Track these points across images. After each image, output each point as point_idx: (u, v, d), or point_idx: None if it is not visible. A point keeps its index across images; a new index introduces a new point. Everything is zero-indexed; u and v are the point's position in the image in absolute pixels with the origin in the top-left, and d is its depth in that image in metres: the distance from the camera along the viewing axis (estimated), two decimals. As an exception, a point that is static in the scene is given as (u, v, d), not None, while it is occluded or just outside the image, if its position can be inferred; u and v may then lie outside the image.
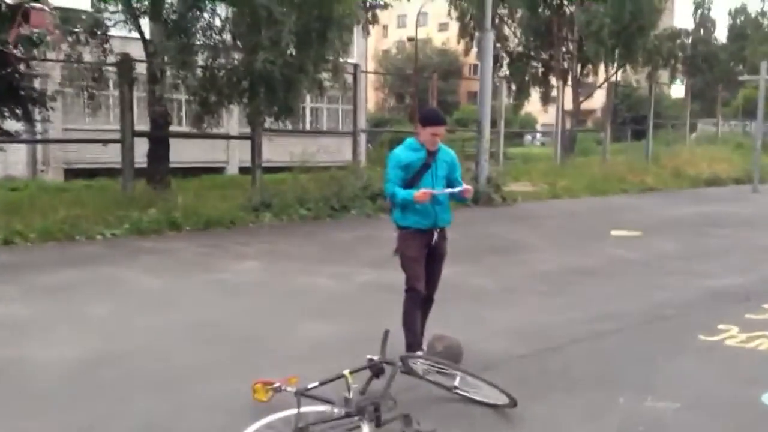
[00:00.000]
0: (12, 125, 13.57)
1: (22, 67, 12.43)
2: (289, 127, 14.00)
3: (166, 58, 11.08)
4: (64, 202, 11.61)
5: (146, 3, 11.76)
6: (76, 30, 11.35)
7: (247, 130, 14.30)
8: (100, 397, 4.18)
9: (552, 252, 9.42)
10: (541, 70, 28.45)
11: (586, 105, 30.93)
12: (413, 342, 4.71)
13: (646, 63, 29.29)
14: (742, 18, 49.39)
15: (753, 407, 4.18)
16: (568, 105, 27.02)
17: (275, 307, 6.35)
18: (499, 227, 11.60)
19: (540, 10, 26.32)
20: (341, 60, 12.40)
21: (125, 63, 12.03)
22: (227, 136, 18.84)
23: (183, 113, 17.08)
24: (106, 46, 11.81)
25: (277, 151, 17.83)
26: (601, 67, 28.71)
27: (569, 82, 27.44)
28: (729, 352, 5.26)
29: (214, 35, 11.79)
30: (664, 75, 36.71)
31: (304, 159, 14.25)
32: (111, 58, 12.08)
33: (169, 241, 9.71)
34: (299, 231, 10.90)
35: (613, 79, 28.42)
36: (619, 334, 5.63)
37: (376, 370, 4.01)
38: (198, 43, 11.63)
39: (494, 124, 19.80)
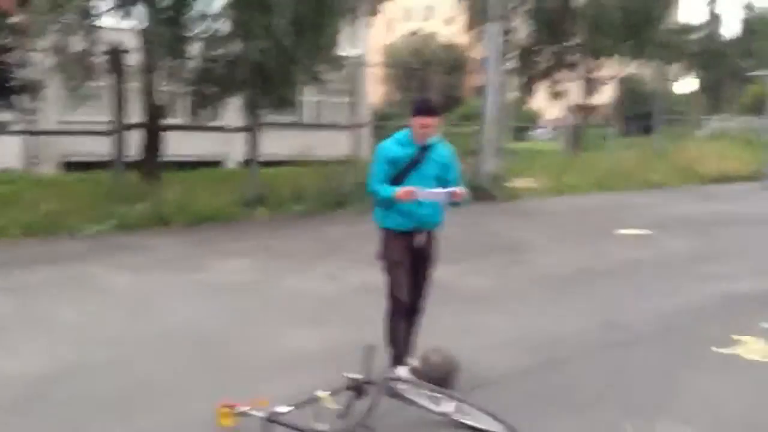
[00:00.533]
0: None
1: (10, 57, 12.03)
2: (287, 119, 13.56)
3: (158, 48, 10.63)
4: (51, 196, 11.22)
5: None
6: (64, 20, 10.89)
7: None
8: (46, 423, 3.75)
9: (556, 251, 8.97)
10: (548, 63, 27.87)
11: (594, 100, 30.39)
12: (399, 354, 4.28)
13: (656, 57, 28.66)
14: (752, 13, 48.65)
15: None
16: (576, 99, 26.46)
17: (258, 312, 5.91)
18: (500, 224, 11.14)
19: (548, 1, 25.72)
20: (340, 51, 11.95)
21: (115, 53, 11.62)
22: (222, 129, 18.36)
23: (182, 105, 16.62)
24: (95, 35, 11.33)
25: (277, 144, 17.39)
26: (610, 62, 28.11)
27: (577, 77, 26.88)
28: (746, 366, 4.81)
29: (209, 24, 11.33)
30: (673, 70, 36.10)
31: (303, 153, 13.81)
32: (100, 48, 11.61)
33: (155, 237, 9.28)
34: (293, 227, 10.47)
35: (622, 72, 27.86)
36: (629, 345, 5.18)
37: (357, 390, 3.58)
38: (192, 32, 11.18)
39: (499, 119, 19.36)
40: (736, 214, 13.02)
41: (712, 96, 39.09)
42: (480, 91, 15.56)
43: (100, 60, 11.77)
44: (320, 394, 3.44)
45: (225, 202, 11.18)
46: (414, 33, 44.94)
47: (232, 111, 12.77)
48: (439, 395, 3.72)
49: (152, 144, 12.56)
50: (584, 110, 28.47)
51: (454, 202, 4.18)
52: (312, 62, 10.96)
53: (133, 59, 12.23)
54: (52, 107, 19.69)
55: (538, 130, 43.80)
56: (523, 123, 34.94)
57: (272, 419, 3.29)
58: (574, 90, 26.32)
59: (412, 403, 3.78)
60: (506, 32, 24.91)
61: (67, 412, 3.84)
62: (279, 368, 4.53)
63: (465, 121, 32.75)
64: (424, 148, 4.23)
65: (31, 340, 4.99)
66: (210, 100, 11.90)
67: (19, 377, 4.29)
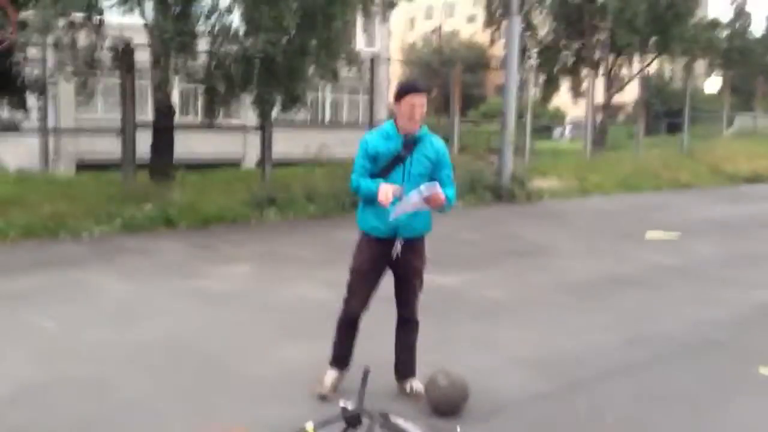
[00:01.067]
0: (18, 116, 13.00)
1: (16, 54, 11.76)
2: (302, 118, 13.13)
3: (165, 43, 10.26)
4: (57, 197, 10.92)
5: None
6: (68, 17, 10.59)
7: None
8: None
9: (579, 256, 8.45)
10: (571, 60, 27.22)
11: (617, 98, 29.67)
12: (335, 356, 3.99)
13: (683, 53, 27.85)
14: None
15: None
16: (599, 98, 25.79)
17: (253, 323, 5.47)
18: (520, 227, 10.62)
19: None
20: (356, 48, 11.52)
21: (126, 50, 11.30)
22: (233, 128, 18.04)
23: (197, 104, 16.35)
24: (101, 31, 11.01)
25: (292, 144, 17.02)
26: (635, 58, 27.39)
27: (601, 74, 26.20)
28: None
29: (218, 18, 10.94)
30: (699, 67, 35.20)
31: (317, 152, 13.39)
32: (107, 43, 11.29)
33: (158, 239, 8.91)
34: (302, 230, 10.04)
35: (647, 70, 27.11)
36: (658, 364, 4.67)
37: (350, 421, 3.13)
38: (200, 27, 10.80)
39: (521, 116, 18.84)
40: (770, 216, 12.39)
41: (741, 93, 38.11)
42: (502, 89, 15.02)
43: (107, 57, 11.48)
44: (308, 427, 2.99)
45: (234, 204, 10.79)
46: (434, 31, 44.37)
47: (250, 110, 12.40)
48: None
49: (163, 144, 12.22)
50: (608, 108, 27.78)
51: (439, 210, 3.67)
52: (322, 57, 10.52)
53: (144, 56, 11.92)
54: (68, 106, 19.56)
55: (561, 129, 43.10)
56: (545, 122, 34.29)
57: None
58: (597, 88, 25.74)
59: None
60: (527, 29, 24.39)
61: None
62: (269, 388, 4.10)
63: (486, 120, 32.23)
64: (412, 142, 3.74)
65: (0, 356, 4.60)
66: (220, 98, 11.52)
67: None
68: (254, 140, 21.87)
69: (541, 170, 16.76)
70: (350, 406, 3.13)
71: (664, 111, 36.84)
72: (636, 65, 28.11)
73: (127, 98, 11.60)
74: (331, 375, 3.99)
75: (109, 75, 12.65)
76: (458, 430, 3.37)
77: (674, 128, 27.96)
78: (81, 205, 10.10)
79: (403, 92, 3.68)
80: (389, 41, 30.62)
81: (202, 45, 11.19)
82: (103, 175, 15.48)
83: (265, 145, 12.57)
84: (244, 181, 13.87)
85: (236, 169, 21.18)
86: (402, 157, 3.72)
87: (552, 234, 10.00)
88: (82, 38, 10.95)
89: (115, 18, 11.70)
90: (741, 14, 46.71)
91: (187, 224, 9.81)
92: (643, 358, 4.76)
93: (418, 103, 3.64)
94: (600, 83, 26.38)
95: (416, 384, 3.92)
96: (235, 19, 10.90)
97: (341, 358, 4.00)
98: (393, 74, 42.65)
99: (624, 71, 29.19)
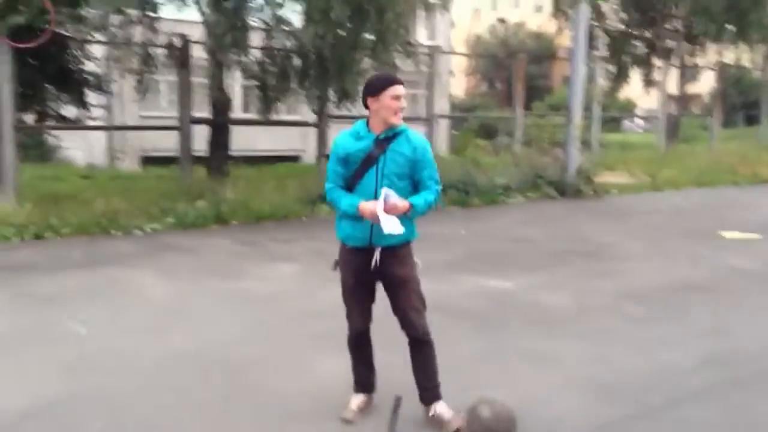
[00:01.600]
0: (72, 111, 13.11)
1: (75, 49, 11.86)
2: (359, 113, 12.80)
3: (219, 38, 10.10)
4: (114, 193, 10.94)
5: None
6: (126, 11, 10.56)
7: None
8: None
9: (649, 259, 7.84)
10: (642, 50, 26.10)
11: (692, 88, 28.36)
12: (356, 381, 3.69)
13: (762, 41, 26.34)
14: None
15: None
16: (672, 88, 24.66)
17: (293, 330, 5.16)
18: (586, 225, 10.03)
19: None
20: (415, 39, 11.11)
21: (183, 45, 11.22)
22: (287, 123, 17.87)
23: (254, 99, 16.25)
24: (155, 26, 10.94)
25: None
26: (710, 47, 26.05)
27: (674, 63, 25.03)
28: None
29: (271, 11, 10.71)
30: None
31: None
32: (162, 40, 11.22)
33: (208, 237, 8.74)
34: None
35: (724, 60, 25.73)
36: (741, 389, 4.13)
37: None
38: (254, 21, 10.61)
39: (587, 108, 18.08)
40: None
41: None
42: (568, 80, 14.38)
43: (162, 52, 11.43)
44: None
45: (287, 200, 10.57)
46: (501, 21, 43.51)
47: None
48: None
49: (219, 139, 12.12)
50: (681, 100, 26.58)
51: (404, 217, 3.28)
52: (379, 49, 10.15)
53: (199, 51, 11.83)
54: (132, 103, 19.83)
55: (631, 121, 41.64)
56: (615, 113, 33.07)
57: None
58: (670, 78, 24.55)
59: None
60: (596, 17, 23.45)
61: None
62: (299, 406, 3.78)
63: (553, 112, 31.31)
64: (384, 140, 3.35)
65: (22, 363, 4.41)
66: (276, 92, 11.31)
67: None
68: (314, 135, 21.84)
69: (609, 164, 16.00)
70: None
71: (742, 102, 35.08)
72: (711, 54, 26.78)
73: (183, 94, 11.56)
74: (356, 399, 3.68)
75: (170, 72, 12.64)
76: None
77: (752, 120, 26.54)
78: (136, 202, 10.07)
79: (381, 86, 3.32)
80: (451, 33, 30.05)
81: (256, 40, 11.02)
82: (164, 171, 15.63)
83: (321, 140, 12.33)
84: (300, 177, 13.67)
85: (294, 164, 21.13)
86: (374, 156, 3.33)
87: (619, 233, 9.38)
88: (138, 34, 10.91)
89: (172, 13, 11.65)
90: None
91: (239, 221, 9.64)
92: (722, 380, 4.22)
93: (400, 93, 3.30)
94: (673, 73, 25.24)
95: (440, 408, 3.51)
96: (289, 13, 10.68)
97: (361, 381, 3.71)
98: (456, 67, 42.03)
99: (698, 61, 27.91)
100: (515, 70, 17.45)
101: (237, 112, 20.27)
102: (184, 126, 11.48)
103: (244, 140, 14.61)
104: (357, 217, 3.32)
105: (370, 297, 3.56)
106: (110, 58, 11.20)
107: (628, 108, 40.12)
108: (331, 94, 10.54)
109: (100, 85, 12.42)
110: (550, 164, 13.63)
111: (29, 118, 12.36)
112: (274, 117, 12.62)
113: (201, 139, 11.79)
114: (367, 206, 3.26)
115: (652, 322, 5.43)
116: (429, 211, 3.46)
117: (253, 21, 10.50)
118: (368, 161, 3.33)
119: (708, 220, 10.51)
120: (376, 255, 3.40)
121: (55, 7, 9.60)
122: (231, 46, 10.04)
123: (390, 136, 3.36)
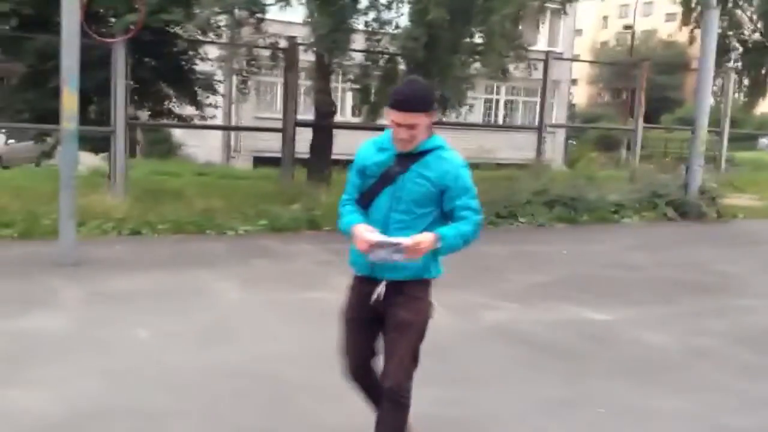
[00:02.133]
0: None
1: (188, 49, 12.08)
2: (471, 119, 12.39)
3: (321, 40, 9.97)
4: (216, 191, 11.06)
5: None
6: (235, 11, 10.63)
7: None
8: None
9: (775, 296, 6.93)
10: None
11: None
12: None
13: None
14: None
15: None
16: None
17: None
18: (705, 252, 9.10)
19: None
20: (532, 46, 10.56)
21: (289, 47, 11.22)
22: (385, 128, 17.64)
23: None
24: (262, 27, 10.96)
25: (458, 144, 16.35)
26: None
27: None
28: None
29: (376, 14, 10.48)
30: None
31: (477, 156, 12.59)
32: (269, 41, 11.24)
33: (298, 242, 8.58)
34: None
35: None
36: None
37: None
38: (357, 23, 10.41)
39: (717, 123, 16.75)
40: None
41: None
42: (696, 92, 13.29)
43: (269, 53, 11.46)
44: None
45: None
46: (627, 27, 41.57)
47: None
48: None
49: (321, 143, 12.05)
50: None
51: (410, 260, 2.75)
52: (488, 53, 9.67)
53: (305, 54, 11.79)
54: (249, 105, 20.33)
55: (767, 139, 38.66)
56: (750, 130, 30.70)
57: None
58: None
59: None
60: (730, 27, 21.79)
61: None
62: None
63: (682, 126, 29.48)
64: (407, 157, 2.80)
65: (68, 368, 4.27)
66: (377, 96, 11.06)
67: (20, 420, 3.53)
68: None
69: (738, 185, 14.69)
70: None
71: None
72: None
73: (289, 96, 11.56)
74: None
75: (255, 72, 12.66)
76: None
77: None
78: (234, 202, 10.12)
79: (389, 102, 2.79)
80: (575, 40, 28.97)
81: (359, 43, 10.83)
82: (272, 172, 15.79)
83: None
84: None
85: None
86: (391, 174, 2.80)
87: (742, 263, 8.43)
88: (245, 35, 10.97)
89: (281, 15, 11.66)
90: None
91: (332, 227, 9.43)
92: None
93: (403, 122, 2.72)
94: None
95: None
96: (396, 14, 10.40)
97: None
98: (579, 75, 40.56)
99: None
100: (637, 78, 16.36)
101: (347, 116, 20.33)
102: (287, 128, 11.48)
103: (349, 144, 14.47)
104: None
105: (369, 337, 3.00)
106: (219, 59, 11.33)
107: (765, 125, 37.21)
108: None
109: (211, 84, 12.62)
110: (671, 182, 12.62)
111: (144, 115, 12.76)
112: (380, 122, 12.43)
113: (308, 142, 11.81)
114: (359, 232, 2.75)
115: (769, 375, 4.67)
116: (466, 247, 2.91)
117: (356, 23, 10.29)
118: (385, 179, 2.82)
119: None
120: (379, 289, 2.87)
121: (168, 7, 9.81)
122: (334, 48, 9.88)
123: (415, 153, 2.82)
